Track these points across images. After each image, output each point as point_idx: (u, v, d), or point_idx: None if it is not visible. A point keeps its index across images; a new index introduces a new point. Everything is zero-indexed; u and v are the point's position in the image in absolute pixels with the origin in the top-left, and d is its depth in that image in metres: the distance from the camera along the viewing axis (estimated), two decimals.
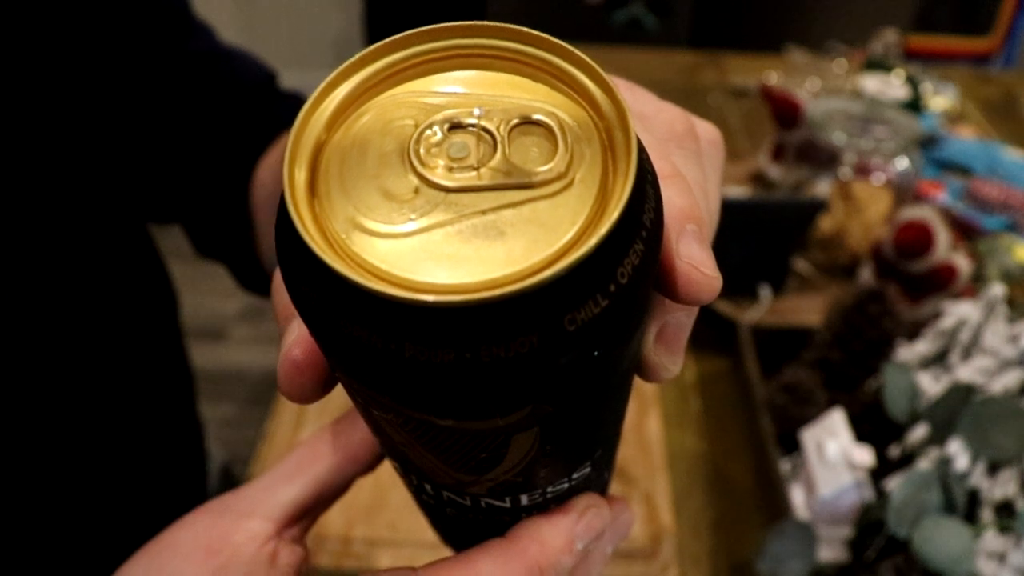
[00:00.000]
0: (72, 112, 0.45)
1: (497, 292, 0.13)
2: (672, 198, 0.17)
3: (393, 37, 0.16)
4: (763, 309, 0.78)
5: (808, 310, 0.79)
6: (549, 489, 0.20)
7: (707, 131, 0.23)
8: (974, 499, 0.51)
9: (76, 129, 0.46)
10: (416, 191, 0.14)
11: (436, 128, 0.15)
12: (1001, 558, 0.48)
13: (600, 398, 0.17)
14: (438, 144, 0.15)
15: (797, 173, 0.89)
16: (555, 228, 0.14)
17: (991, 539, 0.49)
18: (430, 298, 0.13)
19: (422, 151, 0.15)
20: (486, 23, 0.15)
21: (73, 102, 0.45)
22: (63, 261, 0.47)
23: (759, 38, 1.31)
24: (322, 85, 0.16)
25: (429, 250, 0.14)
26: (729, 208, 0.91)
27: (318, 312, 0.14)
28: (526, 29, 0.16)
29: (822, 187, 0.87)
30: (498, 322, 0.13)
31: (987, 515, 0.51)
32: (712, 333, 0.77)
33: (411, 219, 0.14)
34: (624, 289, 0.14)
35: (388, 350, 0.14)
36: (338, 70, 0.16)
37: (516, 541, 0.20)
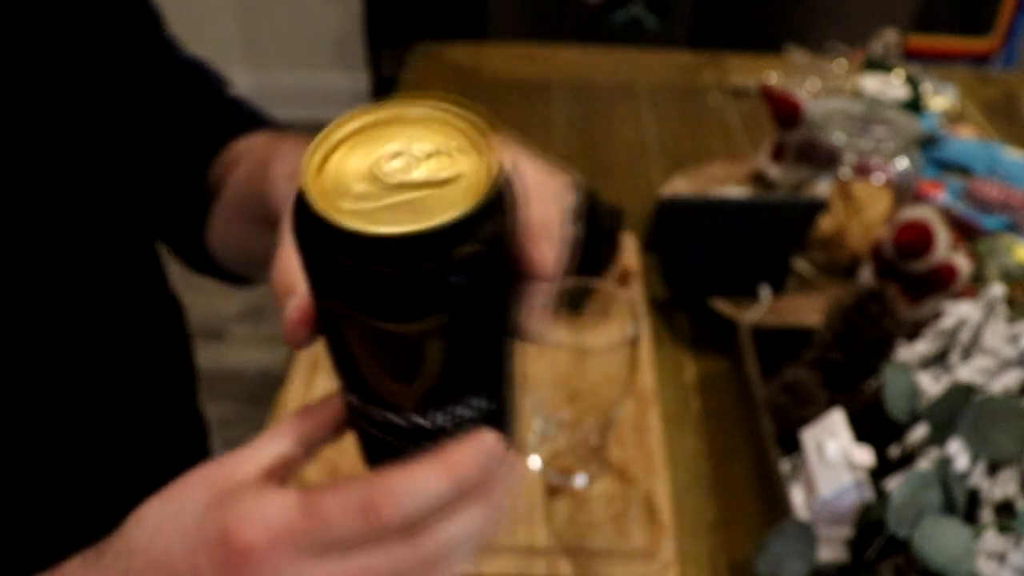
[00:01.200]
0: (73, 126, 0.47)
1: (416, 230, 0.22)
2: (534, 209, 0.28)
3: (363, 107, 0.26)
4: (763, 309, 0.78)
5: (808, 310, 0.79)
6: (458, 411, 0.27)
7: (561, 178, 0.34)
8: (974, 499, 0.51)
9: (75, 140, 0.47)
10: (376, 185, 0.24)
11: (388, 155, 0.25)
12: (1001, 558, 0.48)
13: (483, 323, 0.26)
14: (388, 162, 0.25)
15: (797, 173, 0.89)
16: (452, 205, 0.23)
17: (991, 539, 0.49)
18: (383, 230, 0.22)
19: (382, 165, 0.25)
20: (416, 96, 0.26)
21: (73, 118, 0.47)
22: (72, 272, 0.47)
23: (759, 38, 1.31)
24: (329, 128, 0.26)
25: (382, 215, 0.23)
26: (729, 208, 0.91)
27: (314, 247, 0.24)
28: (444, 99, 0.26)
29: (822, 187, 0.87)
30: (416, 250, 0.23)
31: (987, 515, 0.50)
32: (712, 333, 0.77)
33: (372, 200, 0.24)
34: (489, 241, 0.24)
35: (354, 267, 0.23)
36: (336, 121, 0.26)
37: (438, 454, 0.27)
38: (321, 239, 0.23)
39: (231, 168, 0.52)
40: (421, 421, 0.27)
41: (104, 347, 0.51)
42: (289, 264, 0.30)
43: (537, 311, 0.29)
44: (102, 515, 0.48)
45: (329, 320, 0.26)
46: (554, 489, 0.62)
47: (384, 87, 2.48)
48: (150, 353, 0.57)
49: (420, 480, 0.26)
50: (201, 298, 1.77)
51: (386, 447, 0.29)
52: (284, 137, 0.50)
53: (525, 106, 1.20)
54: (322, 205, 0.23)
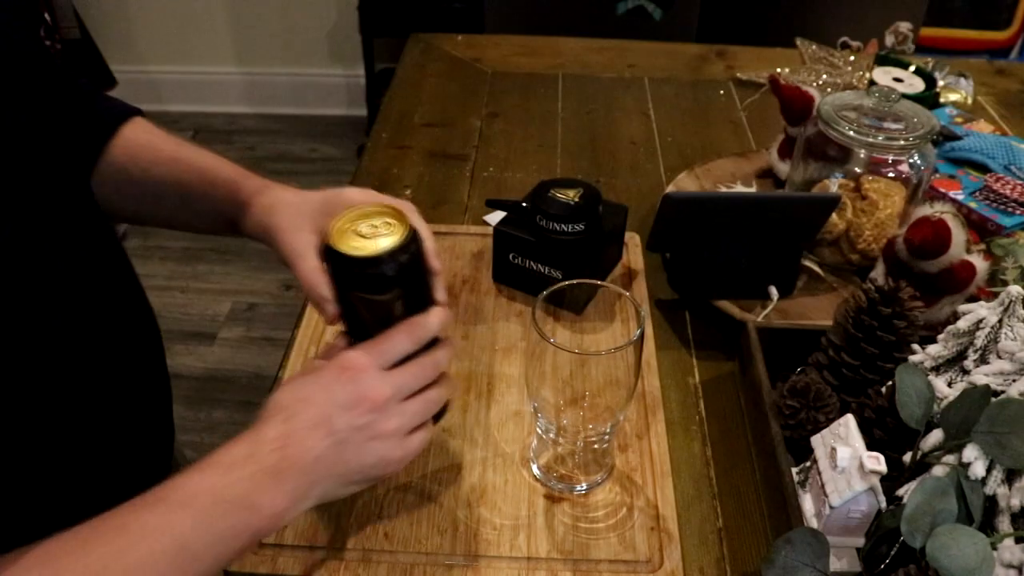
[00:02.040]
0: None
1: (383, 251, 0.48)
2: (427, 242, 0.53)
3: (348, 208, 0.51)
4: (772, 310, 0.76)
5: (818, 311, 0.77)
6: None
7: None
8: (991, 507, 0.50)
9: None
10: (360, 237, 0.49)
11: (363, 223, 0.50)
12: (1020, 569, 0.47)
13: (417, 293, 0.52)
14: (363, 225, 0.50)
15: (807, 170, 0.87)
16: (397, 239, 0.49)
17: (1008, 548, 0.47)
18: (370, 253, 0.48)
19: (361, 227, 0.50)
20: (374, 205, 0.52)
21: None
22: (40, 264, 0.49)
23: (769, 31, 1.29)
24: (338, 216, 0.50)
25: (367, 248, 0.48)
26: (737, 206, 0.89)
27: (340, 268, 0.49)
28: (385, 204, 0.52)
29: (833, 184, 0.85)
30: (384, 259, 0.48)
31: (1004, 524, 0.49)
32: (719, 335, 0.75)
33: (361, 243, 0.49)
34: (414, 253, 0.50)
35: (360, 272, 0.48)
36: (338, 215, 0.50)
37: (428, 314, 0.53)
38: (343, 264, 0.48)
39: (138, 153, 0.66)
40: None
41: (68, 340, 0.52)
42: (316, 284, 0.53)
43: (438, 291, 0.54)
44: (62, 510, 0.47)
45: (348, 304, 0.51)
46: (556, 496, 0.60)
47: (379, 80, 2.47)
48: (118, 346, 0.59)
49: (429, 318, 0.51)
50: (193, 301, 1.79)
51: None
52: (182, 144, 0.67)
53: (527, 99, 1.18)
54: (341, 248, 0.48)
